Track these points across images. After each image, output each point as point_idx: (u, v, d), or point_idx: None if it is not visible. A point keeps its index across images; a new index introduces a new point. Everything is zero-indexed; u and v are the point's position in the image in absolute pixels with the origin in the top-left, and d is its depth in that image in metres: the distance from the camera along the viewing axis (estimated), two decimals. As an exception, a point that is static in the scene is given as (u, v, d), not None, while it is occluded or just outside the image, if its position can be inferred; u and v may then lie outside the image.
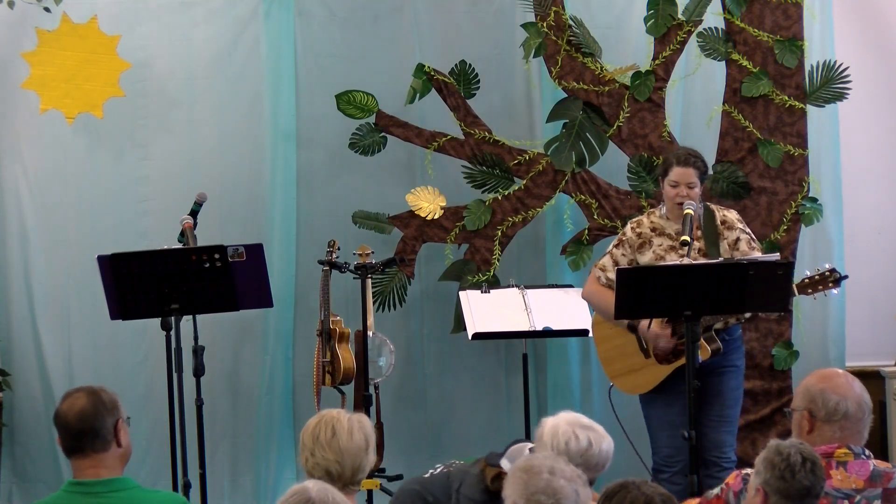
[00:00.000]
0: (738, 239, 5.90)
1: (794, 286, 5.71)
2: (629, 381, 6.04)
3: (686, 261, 5.61)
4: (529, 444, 5.62)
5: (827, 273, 5.80)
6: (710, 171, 6.36)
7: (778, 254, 6.52)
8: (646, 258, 5.93)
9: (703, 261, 5.76)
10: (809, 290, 5.81)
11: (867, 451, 4.04)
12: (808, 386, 4.12)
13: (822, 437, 4.01)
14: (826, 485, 3.77)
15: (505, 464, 5.53)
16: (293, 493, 3.21)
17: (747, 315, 6.00)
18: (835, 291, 5.90)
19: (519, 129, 7.51)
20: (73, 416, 3.87)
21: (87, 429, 3.86)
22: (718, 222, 5.95)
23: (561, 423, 4.16)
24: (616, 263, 5.94)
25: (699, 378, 5.76)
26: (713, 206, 6.08)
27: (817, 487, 3.59)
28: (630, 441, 6.34)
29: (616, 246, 6.04)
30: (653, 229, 5.98)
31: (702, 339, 5.72)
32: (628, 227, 6.07)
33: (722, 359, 5.88)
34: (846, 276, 5.93)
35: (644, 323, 5.80)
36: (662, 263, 5.83)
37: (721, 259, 5.79)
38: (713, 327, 5.79)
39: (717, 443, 5.91)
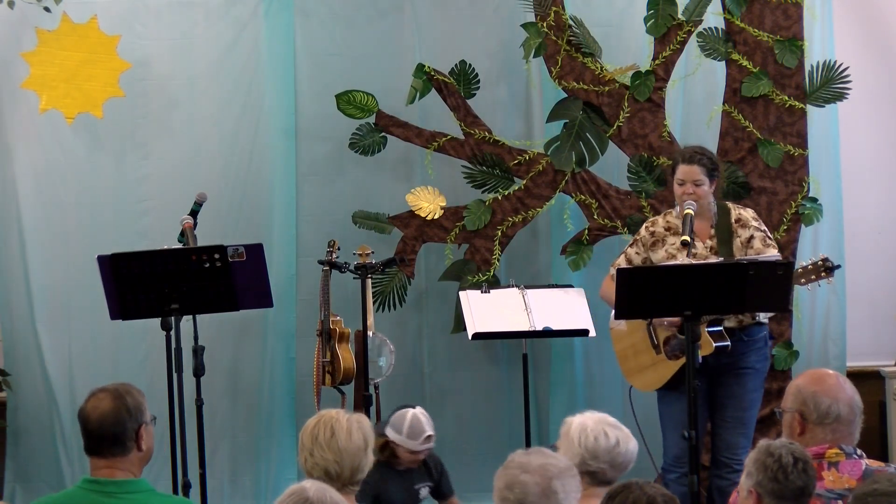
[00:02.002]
0: (751, 237, 5.91)
1: None
2: (641, 379, 6.09)
3: (686, 260, 5.62)
4: (412, 409, 5.75)
5: (820, 262, 5.78)
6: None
7: (778, 254, 6.53)
8: (658, 256, 6.00)
9: (713, 259, 5.77)
10: (803, 280, 5.79)
11: (859, 451, 4.03)
12: (800, 388, 4.11)
13: (813, 439, 4.00)
14: (819, 486, 3.76)
15: (389, 432, 5.67)
16: (291, 492, 3.21)
17: (762, 318, 5.97)
18: (829, 281, 5.87)
19: (519, 129, 7.51)
20: (95, 419, 3.86)
21: (107, 434, 3.86)
22: (733, 220, 5.95)
23: (589, 421, 4.16)
24: (630, 262, 6.01)
25: (714, 378, 5.78)
26: (730, 205, 6.09)
27: (810, 487, 3.58)
28: (644, 442, 6.31)
29: (631, 245, 6.16)
30: (667, 228, 6.03)
31: (707, 335, 5.73)
32: (643, 226, 6.16)
33: (739, 360, 5.88)
34: (839, 266, 5.91)
35: None
36: (669, 262, 5.85)
37: (721, 259, 5.80)
38: (722, 323, 5.79)
39: (730, 444, 5.92)
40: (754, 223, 5.97)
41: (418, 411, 5.87)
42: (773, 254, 5.88)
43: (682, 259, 5.72)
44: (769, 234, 6.04)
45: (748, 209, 6.13)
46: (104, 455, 3.87)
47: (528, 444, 6.83)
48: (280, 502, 3.20)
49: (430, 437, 5.84)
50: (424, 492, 6.03)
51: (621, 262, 6.08)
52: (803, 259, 6.95)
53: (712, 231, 5.95)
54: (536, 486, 3.48)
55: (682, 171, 5.92)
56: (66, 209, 7.41)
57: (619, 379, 6.56)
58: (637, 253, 6.06)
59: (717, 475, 6.03)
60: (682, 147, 6.31)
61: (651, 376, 6.02)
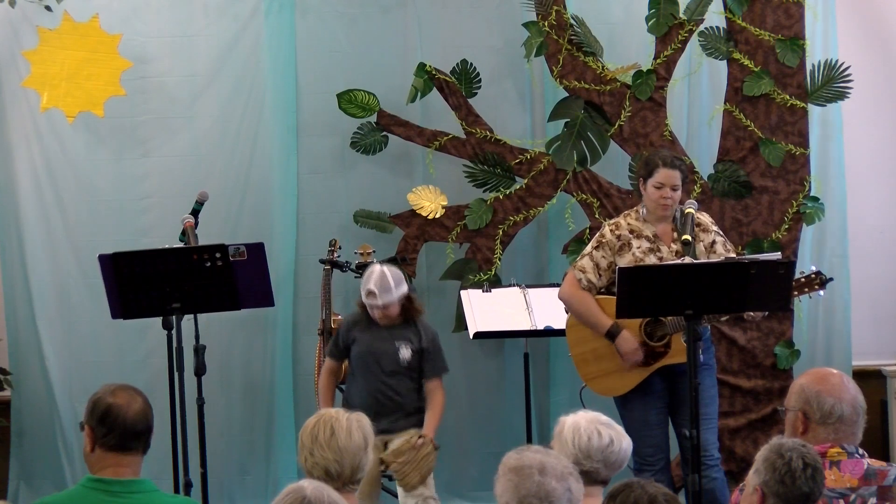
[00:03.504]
0: (714, 241, 5.90)
1: None
2: (604, 384, 6.01)
3: (688, 260, 5.61)
4: (379, 265, 6.19)
5: (812, 276, 5.79)
6: (699, 173, 6.36)
7: (779, 253, 6.53)
8: (625, 260, 5.88)
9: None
10: (795, 293, 5.79)
11: (861, 451, 4.02)
12: (804, 387, 4.09)
13: (815, 438, 3.99)
14: (820, 486, 3.75)
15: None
16: (288, 492, 3.20)
17: (724, 318, 5.98)
18: (821, 294, 5.88)
19: (520, 128, 7.51)
20: (134, 414, 3.86)
21: (142, 431, 3.87)
22: (694, 225, 5.94)
23: (582, 421, 4.15)
24: (596, 266, 5.92)
25: (673, 380, 5.78)
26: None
27: (816, 493, 3.56)
28: None
29: (596, 248, 5.98)
30: (631, 231, 5.95)
31: (682, 342, 5.70)
32: (606, 229, 6.00)
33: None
34: (831, 279, 5.92)
35: (624, 335, 5.80)
36: (667, 263, 5.83)
37: (722, 258, 5.79)
38: None
39: (700, 442, 5.90)
40: (714, 228, 5.97)
41: (379, 269, 6.16)
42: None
43: (684, 258, 5.70)
44: (727, 239, 6.03)
45: (704, 213, 6.09)
46: (134, 452, 3.86)
47: (529, 443, 6.82)
48: (278, 502, 3.20)
49: (371, 292, 6.07)
50: (405, 352, 6.18)
51: (586, 266, 5.96)
52: (807, 261, 6.98)
53: (675, 235, 5.92)
54: (565, 490, 3.44)
55: (664, 174, 5.88)
56: (66, 207, 7.41)
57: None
58: (604, 257, 5.95)
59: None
60: (657, 152, 6.25)
61: (615, 382, 5.97)
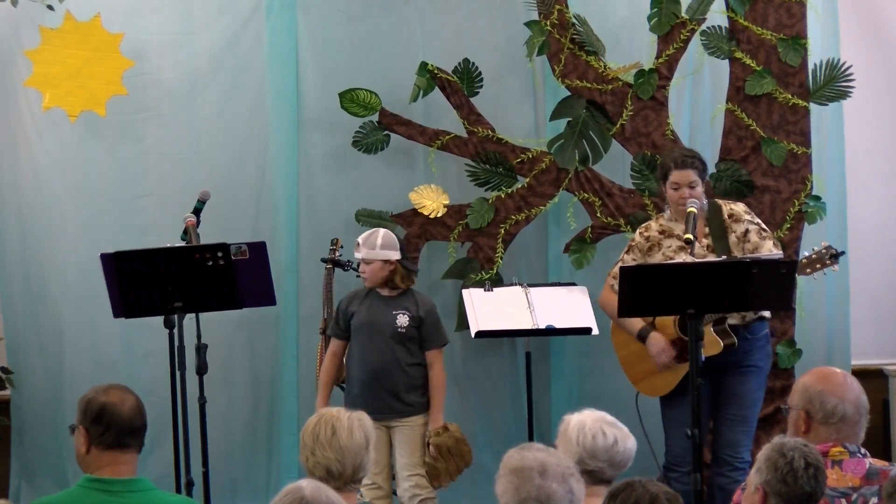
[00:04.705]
0: (746, 231, 5.92)
1: None
2: (649, 385, 6.08)
3: (689, 259, 5.62)
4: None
5: (824, 251, 5.76)
6: (709, 168, 6.38)
7: (781, 252, 6.52)
8: (655, 260, 5.98)
9: (711, 257, 5.77)
10: (808, 270, 5.77)
11: (863, 450, 4.02)
12: (807, 386, 4.09)
13: (817, 438, 3.99)
14: (821, 485, 3.75)
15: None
16: (286, 492, 3.21)
17: (767, 314, 5.98)
18: (834, 269, 5.84)
19: (522, 127, 7.50)
20: (130, 410, 3.87)
21: (140, 426, 3.89)
22: (725, 216, 5.96)
23: (587, 420, 4.16)
24: None
25: (718, 376, 5.79)
26: (720, 202, 6.09)
27: (818, 493, 3.57)
28: (649, 443, 6.22)
29: (626, 252, 6.11)
30: (661, 232, 6.03)
31: (714, 334, 5.73)
32: (637, 232, 6.14)
33: (743, 358, 5.88)
34: (843, 252, 5.89)
35: (653, 336, 5.82)
36: (667, 262, 5.85)
37: (724, 257, 5.80)
38: (726, 321, 5.78)
39: (731, 442, 5.92)
40: (747, 217, 5.99)
41: (378, 229, 6.36)
42: (770, 245, 5.90)
43: (686, 257, 5.71)
44: (763, 225, 6.04)
45: (738, 203, 6.13)
46: (131, 449, 3.87)
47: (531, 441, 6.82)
48: (276, 502, 3.20)
49: (357, 243, 6.29)
50: (403, 319, 6.27)
51: (618, 272, 6.04)
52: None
53: (707, 230, 5.95)
54: (566, 492, 3.45)
55: (677, 175, 5.93)
56: (66, 206, 7.40)
57: (615, 372, 6.54)
58: (634, 259, 6.04)
59: (719, 473, 6.03)
60: (670, 152, 6.28)
61: (657, 382, 6.02)
